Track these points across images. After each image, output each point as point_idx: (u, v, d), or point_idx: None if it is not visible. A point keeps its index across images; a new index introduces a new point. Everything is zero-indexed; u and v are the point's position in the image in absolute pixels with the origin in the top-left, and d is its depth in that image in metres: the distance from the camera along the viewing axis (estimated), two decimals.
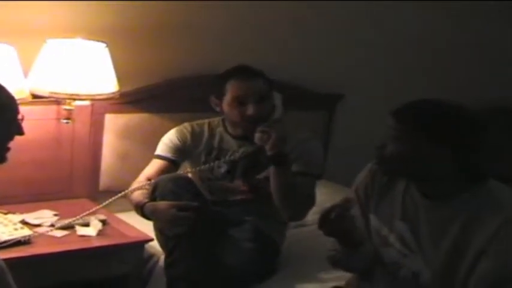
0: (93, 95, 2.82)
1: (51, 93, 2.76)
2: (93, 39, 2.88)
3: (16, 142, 2.22)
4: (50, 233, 2.64)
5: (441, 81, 3.95)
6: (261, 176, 2.80)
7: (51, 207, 2.88)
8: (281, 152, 2.65)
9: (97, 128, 3.08)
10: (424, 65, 4.01)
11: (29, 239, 2.55)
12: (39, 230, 2.65)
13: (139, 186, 2.76)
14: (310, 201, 2.76)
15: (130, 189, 2.76)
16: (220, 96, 2.78)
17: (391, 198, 2.16)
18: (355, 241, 2.13)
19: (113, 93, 2.88)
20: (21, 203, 2.87)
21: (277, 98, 2.76)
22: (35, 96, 2.78)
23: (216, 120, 2.92)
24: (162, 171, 2.81)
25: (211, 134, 2.89)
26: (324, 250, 2.28)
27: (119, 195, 2.72)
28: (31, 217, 2.75)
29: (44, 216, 2.78)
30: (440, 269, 2.05)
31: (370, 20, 3.77)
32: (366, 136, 2.85)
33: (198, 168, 2.82)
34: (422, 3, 3.87)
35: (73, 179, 3.06)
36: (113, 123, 3.12)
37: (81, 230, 2.69)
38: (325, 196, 2.91)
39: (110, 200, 2.72)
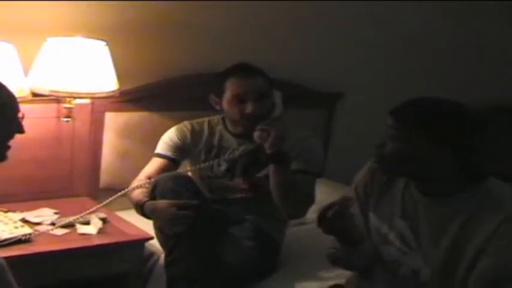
0: (93, 94, 2.82)
1: (52, 91, 2.76)
2: (93, 38, 2.88)
3: (16, 140, 2.22)
4: (51, 232, 2.64)
5: (441, 81, 3.94)
6: (261, 174, 2.80)
7: (51, 205, 2.87)
8: (280, 150, 2.64)
9: (97, 126, 3.08)
10: (424, 64, 4.01)
11: (29, 237, 2.55)
12: (40, 228, 2.65)
13: (139, 184, 2.75)
14: (310, 199, 2.75)
15: (130, 187, 2.76)
16: (220, 94, 2.77)
17: (390, 196, 2.15)
18: (354, 239, 2.13)
19: (113, 91, 2.88)
20: (22, 201, 2.87)
21: (277, 96, 2.75)
22: (35, 95, 2.79)
23: (215, 118, 2.91)
24: (162, 170, 2.80)
25: (211, 132, 2.88)
26: (324, 248, 2.28)
27: (119, 194, 2.72)
28: (31, 215, 2.74)
29: (45, 215, 2.78)
30: (439, 267, 2.04)
31: (370, 20, 3.77)
32: (366, 135, 2.85)
33: (197, 166, 2.81)
34: (422, 3, 3.87)
35: (73, 177, 3.06)
36: (113, 121, 3.13)
37: (81, 228, 2.69)
38: (325, 194, 2.90)
39: (110, 199, 2.72)
